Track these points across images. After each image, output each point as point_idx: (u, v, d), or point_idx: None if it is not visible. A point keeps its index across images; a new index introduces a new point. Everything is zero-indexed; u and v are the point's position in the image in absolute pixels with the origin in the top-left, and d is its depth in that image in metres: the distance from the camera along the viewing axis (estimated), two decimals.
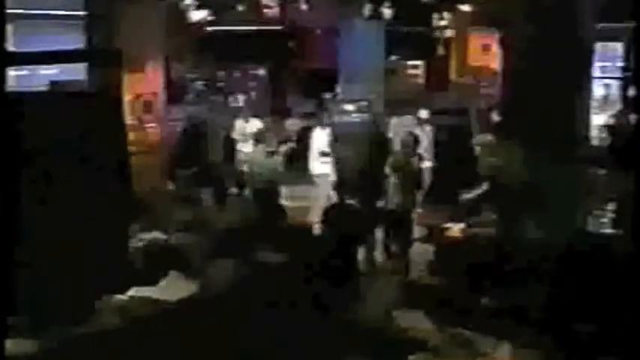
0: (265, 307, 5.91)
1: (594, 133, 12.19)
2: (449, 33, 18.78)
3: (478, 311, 6.54)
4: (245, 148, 13.33)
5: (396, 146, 13.76)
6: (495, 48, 15.47)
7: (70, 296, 5.54)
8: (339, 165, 11.96)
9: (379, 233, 10.08)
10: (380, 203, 10.06)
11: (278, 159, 11.86)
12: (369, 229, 9.54)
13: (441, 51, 19.40)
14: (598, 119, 13.65)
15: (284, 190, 10.44)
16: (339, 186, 9.58)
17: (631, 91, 15.39)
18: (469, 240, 8.61)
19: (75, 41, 11.45)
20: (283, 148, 13.62)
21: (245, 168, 12.49)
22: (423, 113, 13.80)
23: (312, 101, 17.86)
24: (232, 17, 17.21)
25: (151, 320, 5.80)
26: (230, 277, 6.74)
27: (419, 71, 19.79)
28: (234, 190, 11.26)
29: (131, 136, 9.18)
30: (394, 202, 9.82)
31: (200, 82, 18.60)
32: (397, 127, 14.01)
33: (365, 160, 11.00)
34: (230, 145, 13.82)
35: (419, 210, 10.62)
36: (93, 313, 5.71)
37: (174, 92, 14.23)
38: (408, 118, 14.19)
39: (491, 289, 6.75)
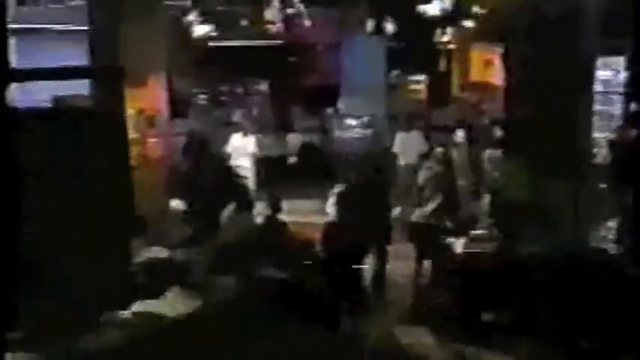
0: (267, 322, 5.90)
1: (596, 147, 12.19)
2: (451, 48, 18.83)
3: (480, 327, 6.54)
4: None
5: (402, 161, 13.82)
6: (497, 63, 15.50)
7: (73, 312, 5.53)
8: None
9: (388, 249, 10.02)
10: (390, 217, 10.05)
11: None
12: (372, 246, 9.49)
13: (443, 66, 19.44)
14: (600, 134, 13.64)
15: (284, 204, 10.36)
16: (340, 203, 9.53)
17: (633, 106, 15.38)
18: (471, 255, 8.61)
19: (78, 56, 11.48)
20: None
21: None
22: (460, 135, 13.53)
23: (315, 116, 17.90)
24: (235, 32, 17.27)
25: (154, 336, 5.79)
26: (232, 292, 6.74)
27: (421, 86, 19.83)
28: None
29: (134, 150, 9.19)
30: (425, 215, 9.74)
31: (203, 97, 18.64)
32: (403, 143, 14.05)
33: (369, 176, 10.96)
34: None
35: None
36: (95, 329, 5.71)
37: (177, 107, 14.25)
38: (415, 134, 14.21)
39: (493, 305, 6.74)
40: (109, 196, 6.30)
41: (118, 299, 6.02)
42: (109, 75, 8.67)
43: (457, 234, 9.29)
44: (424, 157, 11.74)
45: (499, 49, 14.23)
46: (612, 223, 9.52)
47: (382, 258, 9.65)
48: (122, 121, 7.34)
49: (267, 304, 6.38)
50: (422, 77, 19.74)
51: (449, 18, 16.36)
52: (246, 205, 9.60)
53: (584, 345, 6.17)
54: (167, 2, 12.83)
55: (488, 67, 17.90)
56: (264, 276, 7.13)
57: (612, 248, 8.85)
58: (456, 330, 6.63)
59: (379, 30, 17.35)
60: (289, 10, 16.43)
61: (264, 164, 15.07)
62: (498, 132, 13.40)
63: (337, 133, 16.64)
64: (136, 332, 5.76)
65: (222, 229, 9.19)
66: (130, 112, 9.49)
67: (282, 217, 9.37)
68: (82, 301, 5.63)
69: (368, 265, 9.32)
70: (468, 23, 16.47)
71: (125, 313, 5.99)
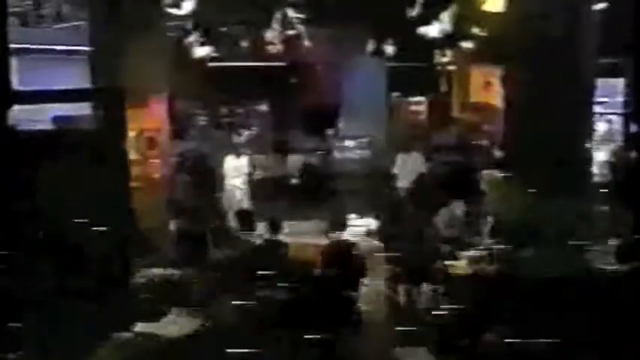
0: (267, 342, 5.89)
1: (595, 168, 12.20)
2: (451, 69, 18.87)
3: (481, 348, 6.53)
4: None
5: (401, 183, 13.85)
6: (497, 84, 15.53)
7: (74, 332, 5.53)
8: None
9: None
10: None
11: None
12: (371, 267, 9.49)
13: (443, 87, 19.47)
14: (599, 155, 13.67)
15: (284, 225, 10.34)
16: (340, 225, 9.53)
17: (632, 127, 15.42)
18: (472, 276, 8.60)
19: (80, 77, 11.51)
20: None
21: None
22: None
23: (315, 137, 17.94)
24: (236, 53, 17.33)
25: (155, 357, 5.79)
26: (232, 312, 6.73)
27: (421, 108, 19.86)
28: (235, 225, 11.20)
29: (134, 171, 9.21)
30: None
31: (203, 118, 18.69)
32: (403, 164, 14.07)
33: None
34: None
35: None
36: (96, 350, 5.70)
37: (178, 128, 14.29)
38: (414, 155, 14.24)
39: (494, 325, 6.73)
40: (109, 216, 6.31)
41: (119, 320, 6.02)
42: (110, 98, 8.70)
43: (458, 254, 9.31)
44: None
45: (499, 71, 14.26)
46: (613, 243, 9.51)
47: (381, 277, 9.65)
48: (123, 141, 7.37)
49: (266, 324, 6.38)
50: (422, 98, 19.79)
51: (449, 39, 16.42)
52: (245, 225, 9.58)
53: None
54: (168, 23, 12.89)
55: (488, 88, 17.92)
56: (264, 296, 7.13)
57: (612, 269, 8.82)
58: (456, 350, 6.62)
59: (379, 51, 17.42)
60: (289, 32, 16.50)
61: (264, 185, 15.12)
62: (498, 152, 13.44)
63: (337, 154, 16.67)
64: (138, 353, 5.75)
65: (222, 250, 9.17)
66: (130, 132, 9.50)
67: (282, 237, 9.37)
68: (82, 321, 5.64)
69: (367, 285, 9.31)
70: (468, 45, 16.52)
71: (127, 334, 5.99)
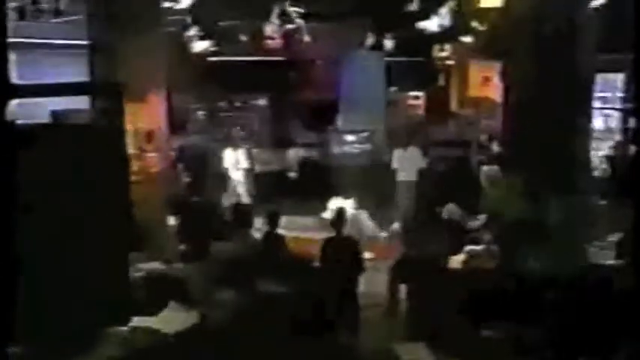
0: (265, 338, 5.89)
1: (595, 163, 12.19)
2: (449, 64, 18.87)
3: (479, 343, 6.52)
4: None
5: (400, 177, 13.86)
6: (496, 79, 15.53)
7: (71, 327, 5.53)
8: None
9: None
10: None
11: None
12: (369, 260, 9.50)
13: (441, 82, 19.47)
14: (598, 150, 13.67)
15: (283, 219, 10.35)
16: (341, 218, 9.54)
17: (631, 122, 15.43)
18: (470, 271, 8.59)
19: (77, 71, 11.48)
20: None
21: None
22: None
23: (313, 132, 17.94)
24: (235, 48, 17.32)
25: (152, 351, 5.79)
26: (230, 307, 6.73)
27: (420, 102, 19.85)
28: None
29: (133, 166, 9.19)
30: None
31: (202, 112, 18.67)
32: (402, 159, 14.07)
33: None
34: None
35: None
36: (94, 344, 5.70)
37: (177, 122, 14.27)
38: (413, 150, 14.23)
39: (492, 321, 6.73)
40: (107, 211, 6.30)
41: (117, 314, 6.02)
42: (109, 92, 8.68)
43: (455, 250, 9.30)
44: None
45: (497, 65, 14.25)
46: (612, 239, 9.51)
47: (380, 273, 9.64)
48: (121, 136, 7.35)
49: (264, 319, 6.37)
50: (420, 93, 19.78)
51: (447, 34, 16.41)
52: (243, 219, 9.58)
53: None
54: (167, 18, 12.87)
55: (487, 83, 17.92)
56: (262, 291, 7.12)
57: (612, 264, 8.83)
58: (455, 346, 6.62)
59: (378, 46, 17.42)
60: (289, 26, 16.49)
61: (263, 179, 15.12)
62: (496, 148, 13.43)
63: (336, 148, 16.66)
64: (135, 348, 5.75)
65: (220, 245, 9.17)
66: (129, 127, 9.48)
67: (281, 232, 9.37)
68: (80, 316, 5.63)
69: (365, 281, 9.31)
70: (467, 39, 16.52)
71: (123, 329, 5.99)
